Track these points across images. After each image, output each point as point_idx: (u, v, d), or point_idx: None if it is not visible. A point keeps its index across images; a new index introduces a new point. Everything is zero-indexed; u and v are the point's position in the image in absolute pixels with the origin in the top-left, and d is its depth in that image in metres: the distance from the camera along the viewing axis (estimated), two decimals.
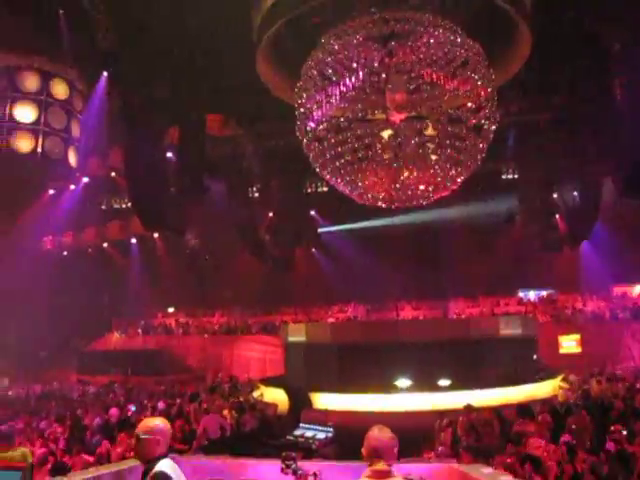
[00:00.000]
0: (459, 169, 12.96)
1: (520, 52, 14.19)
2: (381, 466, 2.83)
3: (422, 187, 13.32)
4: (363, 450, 2.92)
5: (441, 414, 10.10)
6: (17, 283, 23.56)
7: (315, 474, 3.93)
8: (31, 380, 23.12)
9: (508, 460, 6.12)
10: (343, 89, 11.71)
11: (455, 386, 12.49)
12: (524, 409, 9.62)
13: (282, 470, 3.86)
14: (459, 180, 13.45)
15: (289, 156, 20.32)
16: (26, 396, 18.68)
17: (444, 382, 12.70)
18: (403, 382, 12.74)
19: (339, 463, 4.47)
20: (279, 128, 19.55)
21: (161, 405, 13.09)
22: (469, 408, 9.65)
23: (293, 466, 3.85)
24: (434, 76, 11.66)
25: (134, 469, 4.49)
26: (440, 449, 7.79)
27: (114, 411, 12.32)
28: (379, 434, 2.92)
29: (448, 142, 12.36)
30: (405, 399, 12.38)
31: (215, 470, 4.66)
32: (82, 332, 26.07)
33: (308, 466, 4.05)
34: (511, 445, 7.05)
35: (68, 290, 25.05)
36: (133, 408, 13.03)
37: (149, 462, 3.01)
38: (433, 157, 12.63)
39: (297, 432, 9.74)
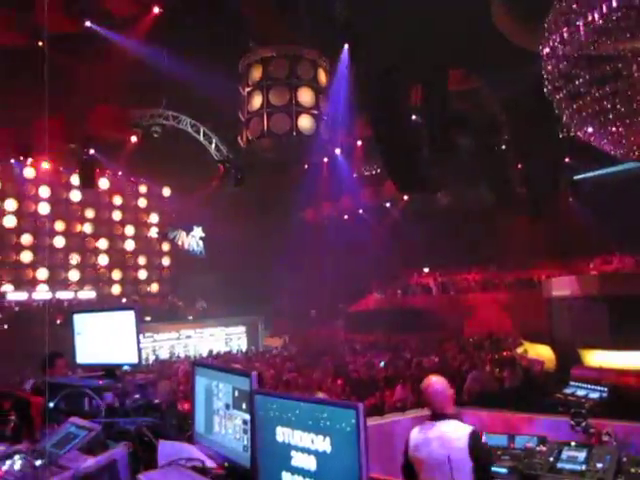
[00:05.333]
0: None
1: None
2: None
3: None
4: None
5: None
6: (286, 253, 26.20)
7: (609, 433, 3.69)
8: (304, 338, 25.68)
9: None
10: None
11: None
12: None
13: (572, 427, 3.70)
14: None
15: (534, 102, 18.89)
16: (303, 352, 20.70)
17: None
18: None
19: (634, 423, 4.10)
20: (521, 75, 18.31)
21: (425, 362, 13.48)
22: None
23: (583, 424, 3.67)
24: None
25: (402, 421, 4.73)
26: None
27: (380, 368, 13.08)
28: None
29: None
30: None
31: (496, 423, 4.65)
32: (345, 293, 27.90)
33: (600, 425, 3.81)
34: None
35: (331, 255, 26.99)
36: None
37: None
38: None
39: (567, 390, 9.21)
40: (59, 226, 27.39)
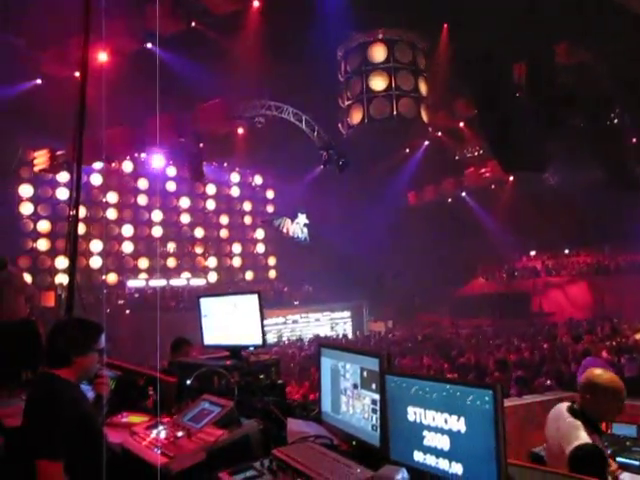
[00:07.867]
0: None
1: None
2: None
3: None
4: None
5: None
6: (389, 238, 26.14)
7: None
8: (409, 323, 25.56)
9: None
10: None
11: None
12: None
13: None
14: None
15: None
16: (409, 337, 20.62)
17: None
18: None
19: None
20: (635, 43, 17.03)
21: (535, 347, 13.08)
22: None
23: None
24: None
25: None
26: None
27: (488, 353, 12.81)
28: None
29: None
30: None
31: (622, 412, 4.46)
32: (451, 278, 27.44)
33: None
34: None
35: (434, 239, 26.63)
36: None
37: None
38: None
39: None
40: (185, 219, 28.83)
